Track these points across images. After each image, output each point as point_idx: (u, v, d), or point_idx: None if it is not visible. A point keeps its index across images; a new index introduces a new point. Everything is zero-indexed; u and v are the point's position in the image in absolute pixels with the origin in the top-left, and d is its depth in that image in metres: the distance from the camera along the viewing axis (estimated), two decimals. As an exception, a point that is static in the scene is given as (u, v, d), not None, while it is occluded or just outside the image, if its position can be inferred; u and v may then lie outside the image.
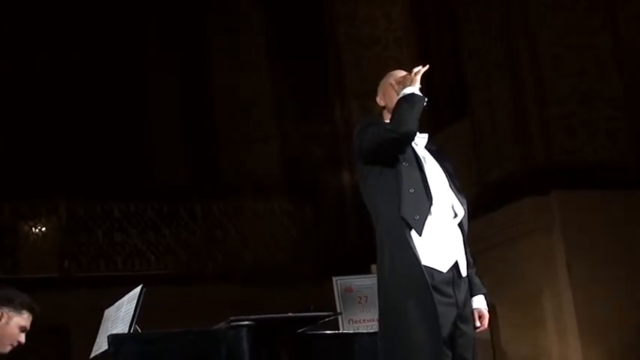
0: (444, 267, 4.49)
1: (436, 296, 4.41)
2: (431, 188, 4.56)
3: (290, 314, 5.16)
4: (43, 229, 14.70)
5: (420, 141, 4.76)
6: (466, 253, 4.63)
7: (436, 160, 4.73)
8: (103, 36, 16.75)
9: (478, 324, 4.67)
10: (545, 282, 11.52)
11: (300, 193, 16.09)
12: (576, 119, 11.87)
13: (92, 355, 5.28)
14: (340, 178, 15.38)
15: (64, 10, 16.59)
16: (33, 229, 14.68)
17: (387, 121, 4.77)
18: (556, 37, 11.98)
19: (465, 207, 4.66)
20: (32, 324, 4.86)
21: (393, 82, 4.77)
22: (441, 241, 4.51)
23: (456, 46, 13.85)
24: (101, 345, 5.12)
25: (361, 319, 6.87)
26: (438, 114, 13.27)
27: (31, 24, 16.37)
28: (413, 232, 4.46)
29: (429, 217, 4.51)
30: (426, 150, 4.74)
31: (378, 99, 4.87)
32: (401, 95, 4.58)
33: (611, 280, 11.14)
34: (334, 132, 15.63)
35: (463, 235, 4.64)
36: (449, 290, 4.48)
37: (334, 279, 6.96)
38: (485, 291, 4.70)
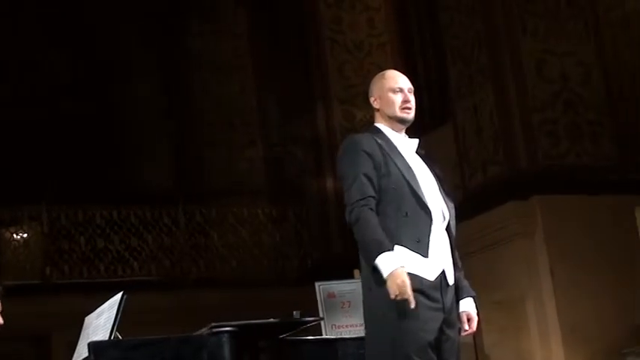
0: (431, 276, 4.46)
1: (423, 300, 4.39)
2: (427, 199, 4.53)
3: (272, 320, 5.13)
4: (25, 235, 14.63)
5: (411, 146, 4.73)
6: (454, 258, 4.61)
7: (426, 164, 4.70)
8: (86, 40, 16.69)
9: (467, 327, 4.64)
10: (528, 286, 11.53)
11: (283, 198, 16.08)
12: (559, 124, 11.89)
13: (73, 362, 5.25)
14: (323, 183, 15.37)
15: (46, 13, 16.52)
16: (14, 235, 14.61)
17: (379, 125, 4.73)
18: (539, 42, 12.00)
19: (453, 211, 4.64)
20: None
21: None
22: (432, 250, 4.49)
23: (439, 51, 13.87)
24: (81, 352, 5.08)
25: (344, 325, 6.86)
26: (422, 119, 13.28)
27: (9, 27, 16.29)
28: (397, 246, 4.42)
29: (431, 234, 4.49)
30: (416, 155, 4.71)
31: (372, 100, 4.78)
32: (381, 267, 4.37)
33: (594, 284, 11.15)
34: (317, 137, 15.62)
35: (450, 240, 4.62)
36: (436, 295, 4.45)
37: (317, 284, 6.95)
38: (474, 294, 4.67)
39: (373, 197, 4.47)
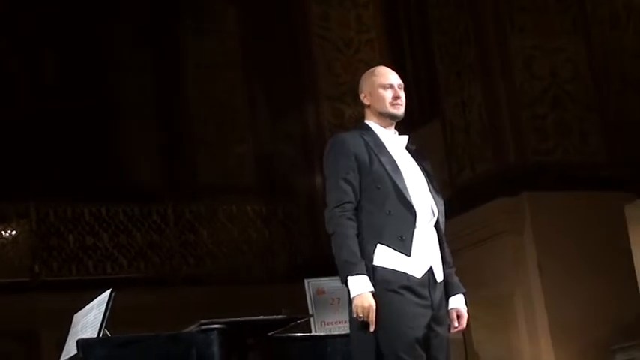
0: (418, 273, 4.47)
1: (411, 297, 4.40)
2: (412, 196, 4.53)
3: (261, 317, 5.14)
4: (14, 232, 14.58)
5: (400, 143, 4.73)
6: (443, 255, 4.61)
7: (415, 160, 4.70)
8: (75, 37, 16.64)
9: (456, 324, 4.65)
10: (517, 283, 11.55)
11: (272, 195, 16.07)
12: (548, 120, 11.92)
13: (61, 359, 5.24)
14: (313, 180, 15.36)
15: (34, 9, 16.47)
16: (3, 232, 14.56)
17: (369, 121, 4.74)
18: (528, 38, 12.03)
19: (442, 208, 4.65)
20: None
21: None
22: (416, 248, 4.49)
23: (427, 48, 13.87)
24: (70, 349, 5.08)
25: (333, 321, 6.87)
26: (410, 115, 13.25)
27: (1, 25, 16.25)
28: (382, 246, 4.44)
29: (415, 232, 4.50)
30: (405, 151, 4.72)
31: (362, 96, 4.78)
32: (350, 287, 4.41)
33: (582, 280, 11.18)
34: (307, 133, 15.62)
35: (439, 237, 4.62)
36: (424, 292, 4.46)
37: (306, 281, 6.95)
38: (464, 290, 4.68)
39: (351, 203, 4.51)
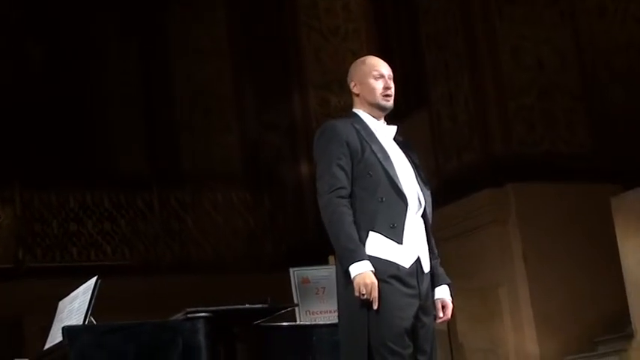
0: (406, 263, 4.46)
1: (399, 287, 4.40)
2: (403, 185, 4.52)
3: (247, 306, 5.12)
4: (-2, 218, 14.56)
5: (389, 132, 4.72)
6: (430, 245, 4.60)
7: (402, 151, 4.69)
8: (60, 23, 16.57)
9: (441, 314, 4.65)
10: (502, 274, 11.57)
11: (258, 184, 16.06)
12: (535, 111, 11.92)
13: (46, 346, 5.22)
14: (299, 168, 15.36)
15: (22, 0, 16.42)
16: (-14, 218, 14.54)
17: (359, 110, 4.71)
18: (515, 28, 12.02)
19: (430, 199, 4.64)
20: None
21: None
22: (407, 235, 4.48)
23: (415, 37, 13.85)
24: (55, 337, 5.06)
25: (318, 311, 6.84)
26: (397, 104, 13.25)
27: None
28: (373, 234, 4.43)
29: (406, 220, 4.49)
30: (393, 141, 4.70)
31: (351, 85, 4.75)
32: (351, 270, 4.37)
33: (568, 271, 11.21)
34: (293, 122, 15.60)
35: (427, 227, 4.62)
36: (412, 282, 4.45)
37: (291, 270, 6.92)
38: (449, 281, 4.68)
39: (344, 188, 4.48)
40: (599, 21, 12.15)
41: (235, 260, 15.04)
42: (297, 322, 6.53)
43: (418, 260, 4.51)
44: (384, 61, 4.85)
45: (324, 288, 6.88)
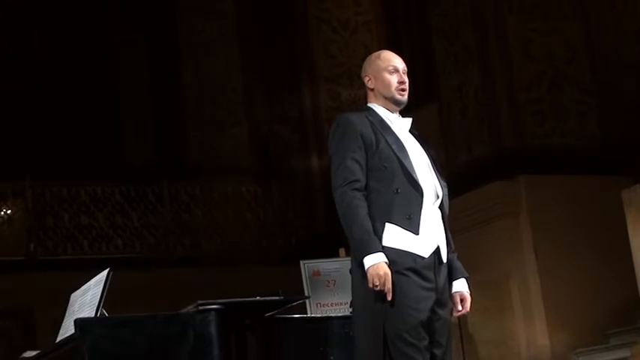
0: (425, 252, 4.46)
1: (416, 279, 4.40)
2: (418, 176, 4.52)
3: (258, 298, 5.13)
4: (9, 211, 14.57)
5: (404, 125, 4.73)
6: (447, 237, 4.61)
7: (420, 144, 4.70)
8: (69, 15, 16.59)
9: (460, 307, 4.66)
10: (513, 266, 11.56)
11: (268, 176, 16.06)
12: (545, 103, 11.91)
13: (58, 339, 5.23)
14: (309, 161, 15.36)
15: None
16: (-2, 211, 14.58)
17: (373, 104, 4.71)
18: (526, 21, 12.00)
19: (446, 191, 4.64)
20: None
21: None
22: (423, 227, 4.48)
23: (425, 30, 13.83)
24: (67, 329, 5.07)
25: (329, 303, 6.84)
26: (407, 97, 13.23)
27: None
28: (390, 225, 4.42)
29: (422, 211, 4.49)
30: (409, 134, 4.71)
31: (366, 80, 4.76)
32: (365, 262, 4.38)
33: (578, 264, 11.20)
34: (303, 115, 15.60)
35: (444, 219, 4.61)
36: (429, 274, 4.46)
37: (302, 262, 6.92)
38: (467, 274, 4.69)
39: (359, 181, 4.49)
40: (609, 12, 12.11)
41: (245, 253, 15.05)
42: (309, 315, 6.54)
43: (437, 250, 4.52)
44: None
45: (335, 280, 6.88)
